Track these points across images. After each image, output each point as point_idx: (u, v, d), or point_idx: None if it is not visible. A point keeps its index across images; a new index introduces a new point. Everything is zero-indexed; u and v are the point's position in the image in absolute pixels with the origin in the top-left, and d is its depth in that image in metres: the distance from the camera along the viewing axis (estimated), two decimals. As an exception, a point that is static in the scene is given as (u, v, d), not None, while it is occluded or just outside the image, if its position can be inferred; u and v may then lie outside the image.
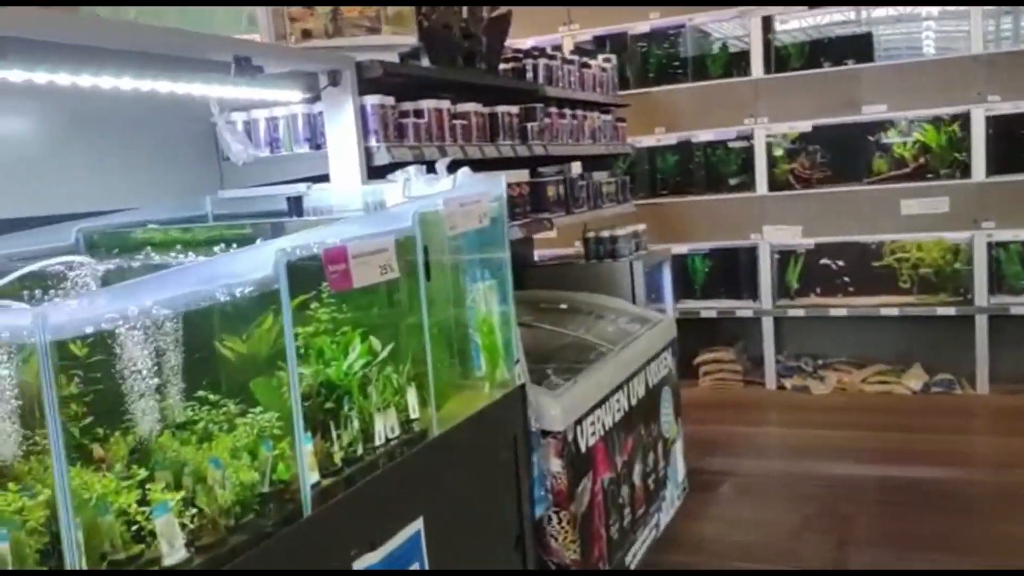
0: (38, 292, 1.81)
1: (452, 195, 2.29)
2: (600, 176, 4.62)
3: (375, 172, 2.82)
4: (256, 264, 1.64)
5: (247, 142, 2.95)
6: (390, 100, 2.90)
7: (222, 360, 1.78)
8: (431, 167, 2.75)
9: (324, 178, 2.87)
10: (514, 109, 3.67)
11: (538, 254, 5.31)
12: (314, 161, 2.90)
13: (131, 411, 1.61)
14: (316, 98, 2.86)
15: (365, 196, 2.74)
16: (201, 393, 1.73)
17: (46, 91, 2.45)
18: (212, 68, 2.49)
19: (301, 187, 2.71)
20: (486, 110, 3.52)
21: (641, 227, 4.69)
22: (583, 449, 2.94)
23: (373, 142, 2.83)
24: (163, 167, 2.90)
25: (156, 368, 1.63)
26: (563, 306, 4.14)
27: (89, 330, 1.33)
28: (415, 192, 2.62)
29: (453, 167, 2.69)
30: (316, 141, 2.92)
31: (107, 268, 1.85)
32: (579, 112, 4.31)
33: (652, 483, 3.67)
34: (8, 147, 2.47)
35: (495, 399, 2.52)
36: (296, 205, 2.53)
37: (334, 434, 1.88)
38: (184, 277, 1.54)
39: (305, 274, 1.83)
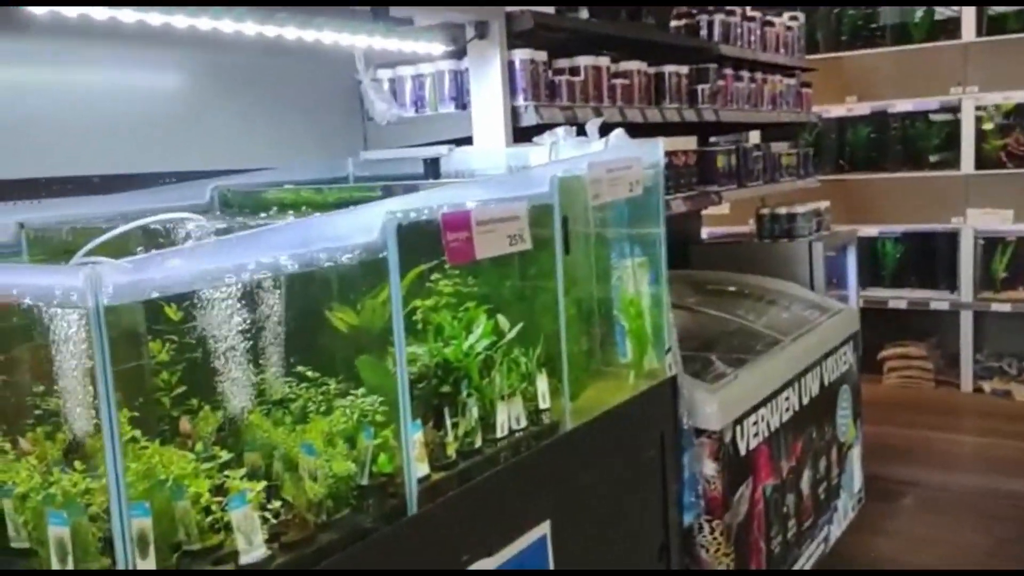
0: (143, 251, 1.69)
1: (598, 159, 2.01)
2: (779, 147, 4.19)
3: (522, 134, 2.58)
4: (362, 226, 1.43)
5: (392, 101, 2.79)
6: (542, 55, 2.64)
7: (325, 333, 1.60)
8: (584, 130, 2.48)
9: (469, 140, 2.66)
10: (683, 69, 3.33)
11: (707, 231, 4.94)
12: (460, 122, 2.70)
13: (220, 384, 1.46)
14: (463, 53, 2.64)
15: (509, 160, 2.50)
16: (301, 369, 1.56)
17: (187, 43, 2.37)
18: (356, 17, 2.33)
19: (442, 149, 2.51)
20: (651, 70, 3.20)
21: (823, 204, 4.23)
22: (743, 452, 2.60)
23: (520, 101, 2.58)
24: (306, 126, 2.78)
25: (250, 338, 1.46)
26: (730, 289, 3.78)
27: (155, 295, 1.16)
28: (562, 156, 2.37)
29: (608, 131, 2.41)
30: (462, 100, 2.71)
31: (219, 226, 1.70)
32: (758, 75, 3.89)
33: (823, 492, 3.28)
34: (148, 101, 2.40)
35: (641, 390, 2.24)
36: (433, 168, 2.33)
37: (448, 423, 1.67)
38: (278, 238, 1.36)
39: (424, 240, 1.62)
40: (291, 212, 2.18)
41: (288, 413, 1.50)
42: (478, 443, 1.72)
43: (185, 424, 1.46)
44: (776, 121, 4.18)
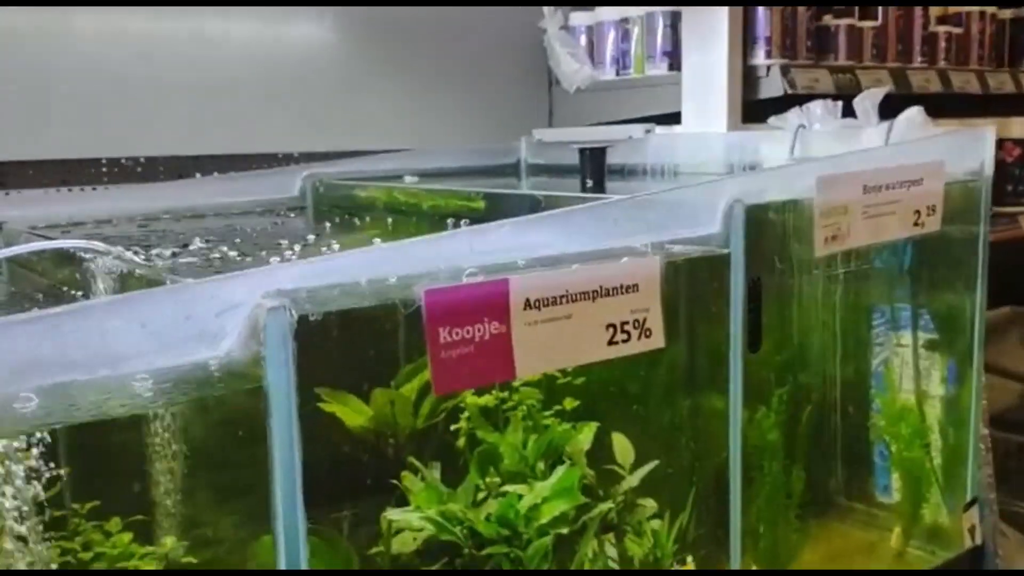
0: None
1: (842, 169, 1.08)
2: None
3: (759, 109, 1.68)
4: (195, 325, 0.69)
5: (585, 58, 1.99)
6: (804, -13, 1.70)
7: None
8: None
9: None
10: (1064, 11, 2.16)
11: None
12: (675, 89, 1.84)
13: None
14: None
15: (730, 151, 1.62)
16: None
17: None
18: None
19: (634, 130, 1.67)
20: (1006, 13, 2.09)
21: None
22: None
23: (760, 58, 1.67)
24: (473, 94, 2.07)
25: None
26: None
27: None
28: (813, 149, 1.46)
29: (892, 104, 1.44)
30: (680, 56, 1.85)
31: (129, 267, 1.03)
32: None
33: None
34: (263, 62, 1.83)
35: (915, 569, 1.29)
36: (593, 165, 1.49)
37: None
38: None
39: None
40: (369, 215, 1.50)
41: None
42: None
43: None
44: None
